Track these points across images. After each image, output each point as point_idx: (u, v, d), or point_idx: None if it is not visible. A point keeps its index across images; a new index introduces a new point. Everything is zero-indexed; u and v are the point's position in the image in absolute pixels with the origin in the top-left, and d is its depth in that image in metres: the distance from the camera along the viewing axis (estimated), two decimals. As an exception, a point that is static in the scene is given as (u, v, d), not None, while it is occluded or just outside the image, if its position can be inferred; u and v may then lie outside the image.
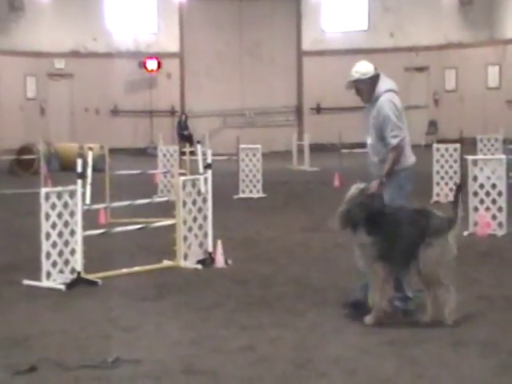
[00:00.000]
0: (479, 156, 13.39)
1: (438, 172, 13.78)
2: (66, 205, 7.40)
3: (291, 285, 7.24)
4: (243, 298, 6.77)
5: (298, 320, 5.99)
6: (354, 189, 5.94)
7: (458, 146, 13.86)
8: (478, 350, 5.17)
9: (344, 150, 18.62)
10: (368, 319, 5.81)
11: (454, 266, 5.81)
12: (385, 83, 6.20)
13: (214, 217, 8.47)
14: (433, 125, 28.39)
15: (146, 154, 25.83)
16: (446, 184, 13.69)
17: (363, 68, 6.20)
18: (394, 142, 6.04)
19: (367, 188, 5.93)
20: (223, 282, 7.43)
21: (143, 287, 7.25)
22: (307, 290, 6.98)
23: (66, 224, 7.41)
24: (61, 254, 7.37)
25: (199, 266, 8.11)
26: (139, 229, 8.58)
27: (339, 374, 4.79)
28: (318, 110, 28.76)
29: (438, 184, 13.76)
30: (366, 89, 6.15)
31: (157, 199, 11.20)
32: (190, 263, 8.19)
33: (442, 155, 13.77)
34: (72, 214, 7.41)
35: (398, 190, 6.09)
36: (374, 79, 6.15)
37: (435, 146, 14.14)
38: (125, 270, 7.86)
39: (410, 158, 6.21)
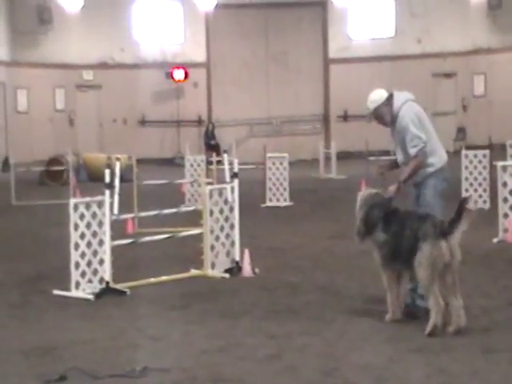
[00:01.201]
0: (509, 162, 13.24)
1: (466, 178, 13.67)
2: (94, 215, 7.48)
3: (318, 292, 7.24)
4: (270, 306, 6.78)
5: (325, 328, 5.99)
6: (365, 193, 6.10)
7: (487, 152, 13.74)
8: (509, 358, 5.12)
9: (371, 158, 18.55)
10: (387, 317, 6.00)
11: (453, 277, 5.69)
12: (399, 98, 6.38)
13: (240, 225, 8.48)
14: (461, 131, 28.15)
15: (173, 163, 25.95)
16: (476, 190, 13.57)
17: (376, 96, 6.40)
18: (413, 151, 6.23)
19: (380, 193, 6.07)
20: (250, 291, 7.44)
21: (170, 296, 7.29)
22: (334, 298, 6.98)
23: (95, 234, 7.48)
24: (89, 263, 7.44)
25: (226, 275, 8.14)
26: (167, 238, 8.62)
27: (367, 383, 4.77)
28: (345, 117, 28.69)
29: (466, 190, 13.63)
30: (385, 113, 6.35)
31: (184, 208, 11.23)
32: (217, 272, 8.21)
33: (471, 161, 13.66)
34: (100, 224, 7.48)
35: (435, 190, 6.26)
36: (389, 100, 6.36)
37: (464, 152, 14.04)
38: (152, 280, 7.90)
39: (442, 158, 6.37)
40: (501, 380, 4.75)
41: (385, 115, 6.34)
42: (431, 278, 5.64)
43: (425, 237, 5.68)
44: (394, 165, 6.52)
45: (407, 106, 6.30)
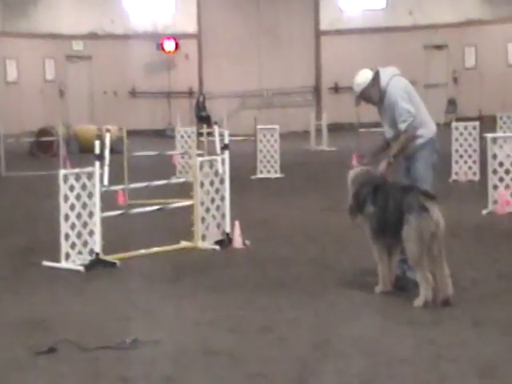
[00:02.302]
0: (499, 134, 13.22)
1: (456, 150, 13.64)
2: (84, 186, 7.41)
3: (309, 266, 7.22)
4: (261, 279, 6.76)
5: (315, 301, 5.97)
6: (355, 171, 6.07)
7: (477, 124, 13.70)
8: (498, 330, 5.12)
9: (362, 130, 18.48)
10: (376, 288, 6.02)
11: (439, 247, 5.66)
12: (385, 74, 6.33)
13: (231, 198, 8.45)
14: (452, 103, 28.10)
15: (163, 135, 25.84)
16: (466, 162, 13.56)
17: (361, 78, 6.35)
18: (402, 126, 6.20)
19: (370, 170, 6.04)
20: (241, 263, 7.42)
21: (161, 268, 7.26)
22: (325, 271, 6.97)
23: (85, 206, 7.42)
24: (79, 235, 7.39)
25: (217, 247, 8.12)
26: (157, 210, 8.59)
27: (357, 355, 4.76)
28: (336, 89, 28.55)
29: (456, 162, 13.62)
30: (373, 93, 6.31)
31: (174, 180, 11.19)
32: (208, 244, 8.20)
33: (461, 133, 13.62)
34: (90, 196, 7.42)
35: (426, 162, 6.25)
36: (375, 80, 6.31)
37: (454, 124, 14.00)
38: (143, 251, 7.88)
39: (431, 129, 6.35)
40: (490, 351, 4.75)
41: (373, 95, 6.31)
42: (420, 251, 5.62)
43: (410, 209, 5.67)
44: (385, 147, 6.46)
45: (394, 82, 6.26)
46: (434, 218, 5.64)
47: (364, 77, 6.31)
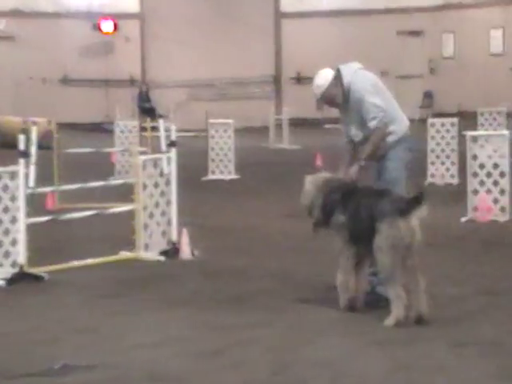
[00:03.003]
0: (480, 132, 13.49)
1: (433, 150, 13.88)
2: (5, 188, 7.33)
3: (268, 279, 7.25)
4: (213, 294, 6.77)
5: (275, 319, 6.00)
6: (316, 178, 6.12)
7: (455, 120, 13.96)
8: (479, 352, 5.22)
9: (328, 126, 18.66)
10: (340, 304, 6.08)
11: (413, 260, 5.75)
12: (347, 71, 6.41)
13: (178, 202, 8.45)
14: (428, 96, 28.57)
15: (101, 129, 25.66)
16: (443, 164, 13.80)
17: (321, 78, 6.39)
18: (373, 124, 6.27)
19: (334, 178, 6.10)
20: (190, 277, 7.42)
21: (97, 283, 7.22)
22: (287, 286, 7.00)
23: (6, 210, 7.33)
24: (0, 244, 7.29)
25: (162, 258, 8.12)
26: (93, 215, 8.54)
27: (322, 381, 4.80)
28: (299, 79, 28.77)
29: (433, 163, 13.86)
30: (336, 94, 6.37)
31: (113, 181, 11.14)
32: (152, 254, 8.19)
33: (438, 131, 13.87)
34: (13, 199, 7.33)
35: (398, 162, 6.34)
36: (336, 79, 6.37)
37: (430, 120, 14.24)
38: (76, 263, 7.84)
39: (403, 125, 6.43)
40: (469, 376, 4.83)
41: (336, 97, 6.36)
42: (392, 263, 5.67)
43: (382, 216, 5.72)
44: (353, 153, 6.50)
45: (358, 76, 6.34)
46: (409, 227, 5.69)
47: (324, 77, 6.36)
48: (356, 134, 6.41)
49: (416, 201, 5.73)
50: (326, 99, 6.38)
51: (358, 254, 6.02)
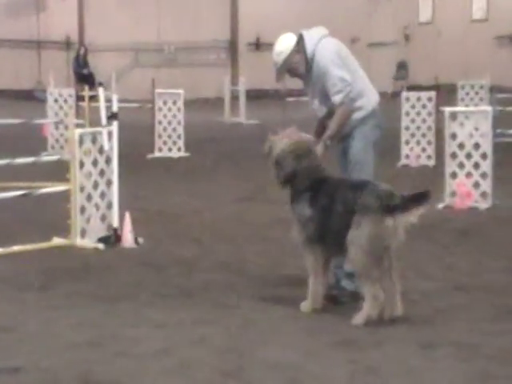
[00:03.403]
0: (459, 108, 13.65)
1: (407, 128, 14.02)
2: None
3: (219, 271, 7.27)
4: (158, 287, 6.77)
5: (226, 316, 6.02)
6: (288, 141, 6.05)
7: (432, 94, 14.10)
8: (452, 354, 5.30)
9: (290, 99, 18.68)
10: (303, 306, 6.06)
11: (390, 259, 5.80)
12: (311, 37, 6.43)
13: (120, 182, 8.43)
14: (402, 67, 28.76)
15: (31, 97, 25.38)
16: (418, 143, 13.94)
17: (282, 44, 6.39)
18: (337, 98, 6.27)
19: (309, 144, 6.06)
20: (132, 267, 7.41)
21: (26, 273, 7.17)
22: (240, 278, 7.02)
23: None
24: None
25: (101, 246, 8.11)
26: (21, 196, 8.49)
27: (278, 384, 4.85)
28: (258, 45, 28.72)
29: (407, 143, 14.00)
30: (298, 62, 6.39)
31: (45, 158, 11.05)
32: (89, 242, 8.17)
33: (413, 106, 14.00)
34: None
35: (365, 141, 6.37)
36: (299, 45, 6.38)
37: (405, 94, 14.36)
38: (1, 250, 7.78)
39: (372, 99, 6.46)
40: (441, 380, 4.91)
41: (299, 65, 6.38)
42: (370, 262, 5.71)
43: (365, 210, 5.68)
44: (322, 131, 6.52)
45: (323, 45, 6.36)
46: (395, 227, 5.69)
47: (285, 43, 6.36)
48: (319, 108, 6.44)
49: (416, 199, 5.73)
50: (288, 68, 6.39)
51: (325, 253, 6.01)
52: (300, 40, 6.37)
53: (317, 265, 6.03)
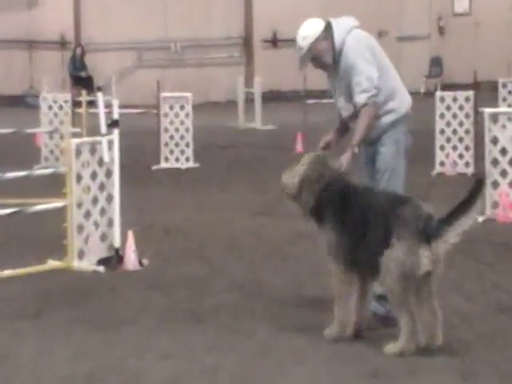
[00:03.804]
0: (501, 108, 13.61)
1: (442, 132, 13.98)
2: None
3: (233, 293, 7.27)
4: (164, 312, 6.77)
5: (241, 343, 6.02)
6: (310, 157, 6.06)
7: (471, 93, 14.06)
8: (496, 382, 5.27)
9: (310, 101, 18.68)
10: (327, 333, 6.00)
11: (430, 288, 5.78)
12: (340, 27, 6.43)
13: (122, 197, 8.44)
14: (436, 63, 28.72)
15: (23, 104, 25.53)
16: (454, 148, 13.90)
17: (309, 29, 6.41)
18: (361, 98, 6.27)
19: (328, 158, 6.06)
20: (136, 291, 7.43)
21: (18, 299, 7.20)
22: (256, 301, 7.02)
23: None
24: None
25: (101, 268, 8.13)
26: (12, 214, 8.50)
27: (301, 420, 4.84)
28: (274, 42, 28.78)
29: (442, 149, 13.96)
30: (325, 50, 6.39)
31: (39, 171, 11.09)
32: (88, 264, 8.19)
33: (449, 107, 13.96)
34: None
35: (396, 148, 6.37)
36: (327, 32, 6.38)
37: (439, 93, 14.33)
38: (-10, 275, 7.83)
39: (404, 102, 6.46)
40: (485, 414, 4.90)
41: (325, 53, 6.38)
42: (404, 290, 5.68)
43: (400, 233, 5.64)
44: (344, 129, 6.53)
45: (354, 36, 6.35)
46: (434, 255, 5.65)
47: (313, 27, 6.38)
48: (345, 106, 6.44)
49: (451, 218, 5.67)
50: (313, 55, 6.39)
51: (356, 273, 5.95)
52: (328, 27, 6.38)
53: (347, 293, 5.96)
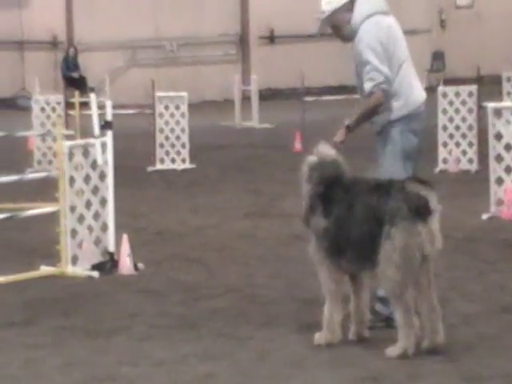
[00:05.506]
0: (505, 103, 13.58)
1: (445, 127, 13.96)
2: None
3: (228, 297, 7.27)
4: (157, 318, 6.76)
5: (237, 349, 6.01)
6: (310, 161, 6.04)
7: (474, 88, 14.03)
8: (500, 387, 5.28)
9: (308, 98, 18.65)
10: (317, 337, 5.99)
11: (429, 276, 5.76)
12: (363, 7, 6.40)
13: (116, 200, 8.44)
14: (438, 58, 28.71)
15: (14, 106, 25.53)
16: (457, 145, 13.87)
17: None
18: (367, 86, 6.27)
19: (339, 162, 6.01)
20: (129, 297, 7.42)
21: (8, 306, 7.20)
22: (251, 305, 7.02)
23: None
24: None
25: (95, 274, 8.12)
26: (4, 219, 8.51)
27: (298, 427, 4.84)
28: (272, 38, 28.76)
29: (445, 145, 13.94)
30: (345, 21, 6.39)
31: (31, 175, 11.08)
32: (82, 269, 8.18)
33: (451, 102, 13.94)
34: None
35: (392, 147, 6.32)
36: (351, 5, 6.37)
37: (441, 88, 14.30)
38: (-19, 282, 7.81)
39: (408, 103, 6.41)
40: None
41: (344, 25, 6.39)
42: (404, 281, 5.66)
43: (395, 219, 5.60)
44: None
45: (370, 24, 6.32)
46: (430, 232, 5.63)
47: None
48: (360, 89, 6.44)
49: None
50: (333, 22, 6.40)
51: (345, 270, 5.94)
52: (354, 1, 6.36)
53: (335, 292, 5.94)
